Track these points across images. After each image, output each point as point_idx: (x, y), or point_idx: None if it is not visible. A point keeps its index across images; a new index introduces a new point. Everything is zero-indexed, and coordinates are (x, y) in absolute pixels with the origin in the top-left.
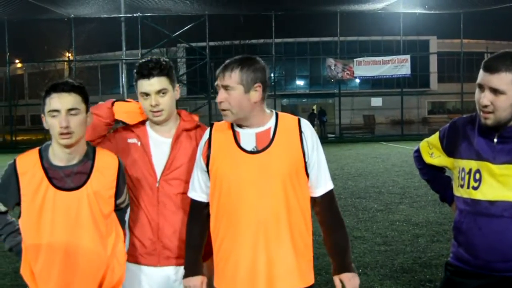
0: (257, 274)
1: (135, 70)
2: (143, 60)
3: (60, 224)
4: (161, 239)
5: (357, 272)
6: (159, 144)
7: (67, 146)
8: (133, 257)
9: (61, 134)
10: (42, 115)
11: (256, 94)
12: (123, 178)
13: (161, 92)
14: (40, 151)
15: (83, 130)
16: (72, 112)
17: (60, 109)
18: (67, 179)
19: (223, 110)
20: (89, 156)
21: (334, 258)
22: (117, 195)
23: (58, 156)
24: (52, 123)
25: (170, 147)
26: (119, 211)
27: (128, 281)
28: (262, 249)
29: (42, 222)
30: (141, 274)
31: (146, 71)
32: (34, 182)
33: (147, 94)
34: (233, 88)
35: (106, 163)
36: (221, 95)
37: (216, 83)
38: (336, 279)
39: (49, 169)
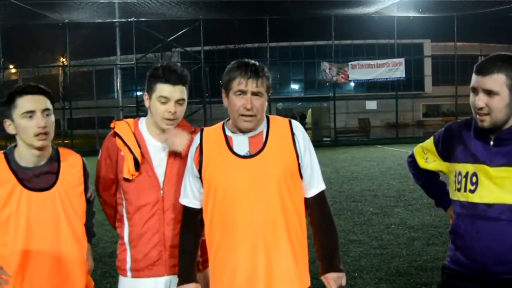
0: (257, 279)
1: (153, 72)
2: (164, 65)
3: (36, 226)
4: (168, 248)
5: (354, 275)
6: (157, 150)
7: (41, 148)
8: (137, 271)
9: (38, 134)
10: (6, 120)
11: (266, 101)
12: (87, 174)
13: (180, 101)
14: (5, 155)
15: (53, 131)
16: (47, 112)
17: (36, 109)
18: (37, 180)
19: (251, 116)
20: (54, 156)
21: (322, 259)
22: (86, 190)
23: (26, 158)
24: (26, 125)
25: (168, 153)
26: (88, 203)
27: None
28: (261, 254)
29: (16, 226)
30: (152, 285)
31: (173, 78)
32: (5, 186)
33: (166, 99)
34: (262, 95)
35: (71, 161)
36: (252, 102)
37: (240, 88)
38: (323, 279)
39: (18, 171)
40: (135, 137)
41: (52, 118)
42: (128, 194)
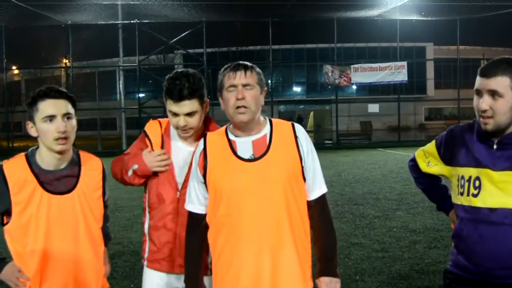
0: (262, 281)
1: (164, 85)
2: (174, 77)
3: (55, 229)
4: (178, 247)
5: (355, 278)
6: (180, 151)
7: (61, 152)
8: (150, 262)
9: (58, 139)
10: (29, 122)
11: (262, 97)
12: (106, 178)
13: (191, 114)
14: (26, 157)
15: (74, 135)
16: (67, 116)
17: (56, 114)
18: (58, 183)
19: (243, 107)
20: (75, 159)
21: (320, 262)
22: (104, 194)
23: (47, 161)
24: (46, 129)
25: (192, 157)
26: (105, 207)
27: (147, 285)
28: (267, 257)
29: (36, 228)
30: (159, 279)
31: (176, 95)
32: (26, 188)
33: (175, 114)
34: (253, 87)
35: (91, 165)
36: (243, 93)
37: (231, 82)
38: (316, 282)
39: (39, 174)
40: (162, 138)
41: (73, 122)
42: (150, 188)
